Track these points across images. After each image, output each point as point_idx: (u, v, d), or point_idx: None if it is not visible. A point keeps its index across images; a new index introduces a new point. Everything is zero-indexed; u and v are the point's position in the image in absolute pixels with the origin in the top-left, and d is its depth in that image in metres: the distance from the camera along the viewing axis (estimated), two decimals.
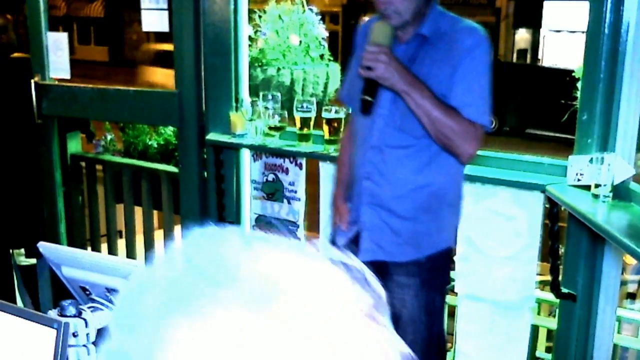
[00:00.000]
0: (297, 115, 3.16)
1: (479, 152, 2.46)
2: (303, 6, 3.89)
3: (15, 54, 4.03)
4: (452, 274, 2.75)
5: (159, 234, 4.02)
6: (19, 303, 3.82)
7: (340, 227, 2.54)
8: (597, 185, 2.38)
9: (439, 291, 2.50)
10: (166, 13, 3.48)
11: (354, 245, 2.45)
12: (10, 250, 4.00)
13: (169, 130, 4.18)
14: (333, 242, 2.59)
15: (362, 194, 2.40)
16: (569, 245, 2.63)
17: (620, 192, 2.38)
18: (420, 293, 2.41)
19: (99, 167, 4.18)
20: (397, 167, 2.31)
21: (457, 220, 2.52)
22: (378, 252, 2.41)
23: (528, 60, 17.79)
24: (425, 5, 2.24)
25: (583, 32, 2.55)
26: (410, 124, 2.24)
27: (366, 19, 2.46)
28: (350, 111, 2.67)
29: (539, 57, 17.49)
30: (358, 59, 2.33)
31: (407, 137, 2.28)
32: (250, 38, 3.55)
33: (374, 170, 2.35)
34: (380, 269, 2.41)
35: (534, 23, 17.53)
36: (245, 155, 3.44)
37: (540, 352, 3.28)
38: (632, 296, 3.99)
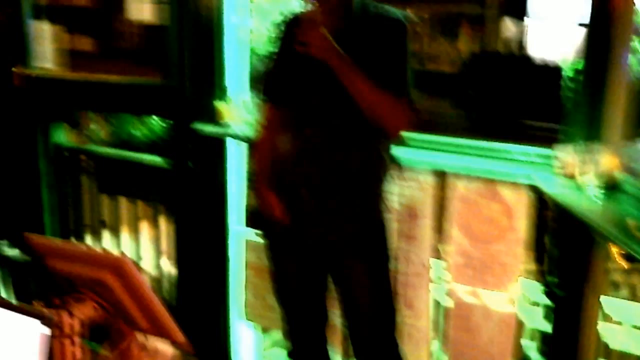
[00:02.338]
0: None
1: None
2: None
3: None
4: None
5: (143, 225, 4.00)
6: (3, 294, 3.80)
7: (275, 219, 2.56)
8: (582, 174, 2.38)
9: (384, 268, 2.59)
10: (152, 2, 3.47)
11: (293, 238, 2.55)
12: None
13: (155, 120, 4.15)
14: (271, 240, 2.67)
15: (299, 177, 2.46)
16: (555, 240, 2.64)
17: (607, 184, 2.39)
18: (368, 270, 2.53)
19: (83, 157, 4.15)
20: (333, 144, 2.40)
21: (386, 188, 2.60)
22: (321, 236, 2.50)
23: (515, 50, 17.74)
24: None
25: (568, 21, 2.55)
26: (343, 104, 2.32)
27: (289, 16, 2.56)
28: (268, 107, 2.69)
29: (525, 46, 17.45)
30: (285, 53, 2.49)
31: (341, 117, 2.37)
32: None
33: (309, 152, 2.42)
34: (327, 259, 2.57)
35: (519, 12, 17.48)
36: (231, 145, 3.42)
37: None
38: (616, 286, 4.01)
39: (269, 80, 2.63)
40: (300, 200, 2.47)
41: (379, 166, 2.53)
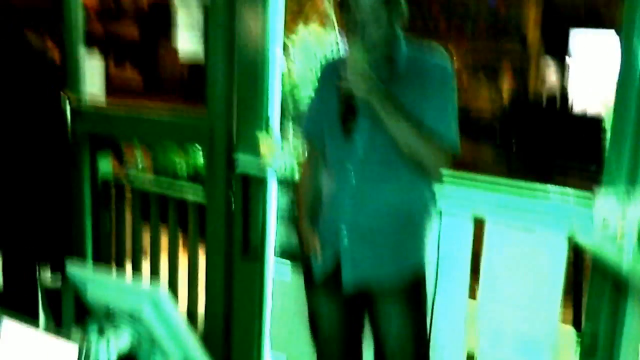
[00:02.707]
0: None
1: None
2: (335, 29, 3.91)
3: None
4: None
5: (183, 256, 4.05)
6: (42, 319, 3.85)
7: (316, 259, 2.58)
8: (621, 223, 2.35)
9: (423, 309, 2.60)
10: (200, 37, 3.55)
11: (332, 273, 2.53)
12: (37, 266, 4.05)
13: (197, 152, 4.22)
14: (309, 278, 2.65)
15: (340, 217, 2.46)
16: (591, 296, 2.59)
17: None
18: (407, 312, 2.52)
19: (126, 186, 4.23)
20: (376, 186, 2.40)
21: (428, 236, 2.60)
22: (359, 272, 2.48)
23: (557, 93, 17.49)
24: (391, 30, 2.35)
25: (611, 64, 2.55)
26: (386, 144, 2.33)
27: (330, 61, 2.63)
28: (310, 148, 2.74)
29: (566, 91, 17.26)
30: (324, 95, 2.53)
31: (384, 156, 2.37)
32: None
33: (352, 192, 2.41)
34: (365, 299, 2.54)
35: (561, 53, 17.29)
36: (273, 182, 3.45)
37: None
38: None
39: (310, 119, 2.67)
40: (340, 239, 2.48)
41: (420, 206, 2.52)
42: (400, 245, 2.49)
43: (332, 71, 2.48)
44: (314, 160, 2.66)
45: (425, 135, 2.29)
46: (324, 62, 2.62)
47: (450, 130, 2.36)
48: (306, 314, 2.76)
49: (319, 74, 2.62)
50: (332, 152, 2.52)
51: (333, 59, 2.59)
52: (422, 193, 2.49)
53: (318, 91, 2.62)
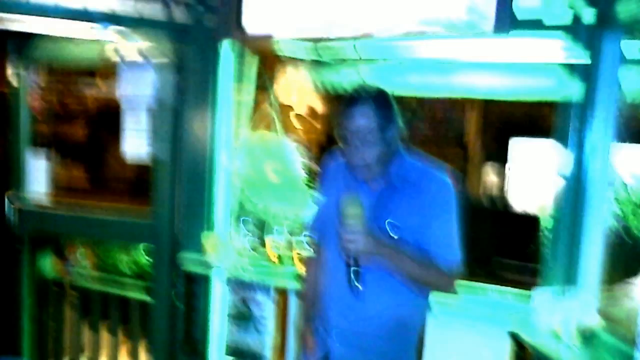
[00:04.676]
0: (269, 239, 3.22)
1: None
2: (280, 134, 4.02)
3: None
4: None
5: (122, 356, 3.94)
6: None
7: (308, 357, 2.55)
8: (561, 320, 2.42)
9: None
10: (146, 139, 3.59)
11: None
12: None
13: (142, 256, 4.20)
14: None
15: (333, 328, 2.43)
16: None
17: (585, 335, 2.41)
18: None
19: (66, 286, 4.14)
20: (370, 303, 2.34)
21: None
22: None
23: (496, 195, 18.10)
24: (391, 152, 2.34)
25: (547, 169, 2.66)
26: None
27: (332, 159, 2.56)
28: (314, 244, 2.71)
29: (505, 193, 17.86)
30: (326, 193, 2.50)
31: (379, 279, 2.32)
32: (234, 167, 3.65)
33: (345, 307, 2.38)
34: None
35: (501, 160, 18.01)
36: (217, 281, 3.45)
37: None
38: None
39: (314, 221, 2.65)
40: (331, 343, 2.45)
41: (415, 316, 2.48)
42: (392, 354, 2.42)
43: (335, 172, 2.49)
44: (317, 259, 2.61)
45: (431, 269, 2.28)
46: (326, 161, 2.60)
47: (453, 250, 2.33)
48: None
49: (322, 173, 2.60)
50: (330, 254, 2.49)
51: (335, 157, 2.54)
52: (418, 303, 2.46)
53: (321, 194, 2.59)
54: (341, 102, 2.30)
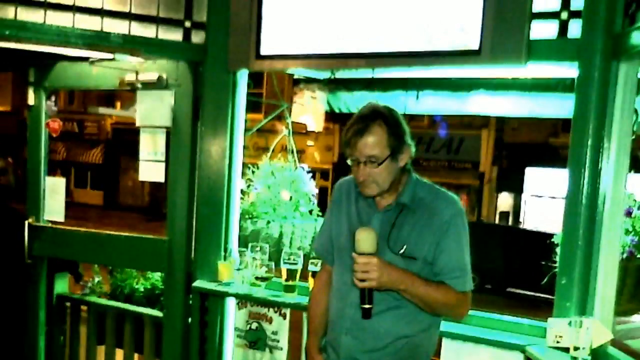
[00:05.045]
0: (284, 267, 3.24)
1: None
2: (295, 164, 4.06)
3: (15, 205, 4.15)
4: None
5: None
6: None
7: None
8: (575, 348, 2.41)
9: None
10: (162, 165, 3.62)
11: None
12: None
13: (157, 275, 4.22)
14: None
15: (341, 348, 2.41)
16: None
17: (598, 356, 2.41)
18: None
19: (83, 307, 4.18)
20: (378, 322, 2.33)
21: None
22: None
23: (510, 223, 18.15)
24: (401, 173, 2.35)
25: (563, 198, 2.67)
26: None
27: (346, 178, 2.55)
28: (321, 265, 2.72)
29: (521, 220, 17.88)
30: (334, 214, 2.49)
31: (389, 298, 2.31)
32: (242, 191, 3.68)
33: (353, 326, 2.36)
34: None
35: (516, 188, 18.08)
36: (231, 303, 3.47)
37: None
38: None
39: (321, 237, 2.63)
40: None
41: (425, 339, 2.43)
42: None
43: (345, 193, 2.49)
44: (326, 277, 2.60)
45: (444, 294, 2.27)
46: (340, 182, 2.58)
47: (466, 274, 2.32)
48: None
49: (332, 195, 2.59)
50: (338, 276, 2.48)
51: (344, 180, 2.54)
52: (430, 328, 2.43)
53: (331, 211, 2.57)
54: (349, 122, 2.31)
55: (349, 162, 2.32)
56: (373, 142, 2.24)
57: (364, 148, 2.25)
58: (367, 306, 2.22)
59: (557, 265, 2.71)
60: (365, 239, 2.21)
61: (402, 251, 2.29)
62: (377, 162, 2.25)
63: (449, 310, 2.38)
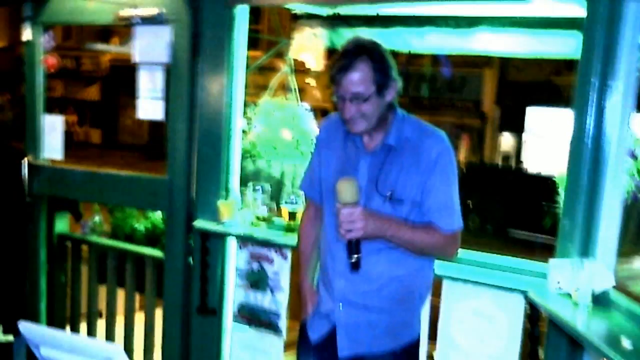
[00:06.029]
0: (285, 207, 3.22)
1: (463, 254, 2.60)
2: (297, 101, 4.01)
3: (14, 144, 4.11)
4: None
5: (139, 317, 3.98)
6: None
7: (313, 320, 2.55)
8: (577, 291, 2.40)
9: None
10: (162, 102, 3.58)
11: (328, 340, 2.47)
12: None
13: (157, 214, 4.21)
14: (305, 337, 2.60)
15: (335, 291, 2.42)
16: (549, 350, 2.63)
17: (600, 299, 2.41)
18: None
19: (84, 247, 4.18)
20: (372, 263, 2.33)
21: (423, 309, 2.58)
22: (355, 346, 2.43)
23: (512, 164, 18.19)
24: (388, 111, 2.31)
25: (564, 138, 2.63)
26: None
27: (331, 117, 2.53)
28: (307, 201, 2.72)
29: (522, 160, 17.91)
30: (322, 154, 2.48)
31: (379, 241, 2.31)
32: (242, 130, 3.64)
33: (346, 269, 2.33)
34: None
35: (519, 128, 18.02)
36: (232, 243, 3.47)
37: None
38: None
39: (307, 178, 2.64)
40: (336, 313, 2.42)
41: (420, 281, 2.45)
42: (398, 320, 2.43)
43: (333, 133, 2.46)
44: (312, 216, 2.61)
45: (432, 237, 2.29)
46: (326, 121, 2.56)
47: (454, 213, 2.32)
48: None
49: (318, 134, 2.58)
50: (328, 218, 2.44)
51: (328, 118, 2.53)
52: (422, 268, 2.44)
53: (317, 151, 2.55)
54: (334, 57, 2.26)
55: (334, 99, 2.27)
56: (358, 79, 2.20)
57: (348, 85, 2.20)
58: (355, 257, 2.22)
59: (558, 206, 2.69)
60: (347, 190, 2.19)
61: (389, 194, 2.27)
62: (362, 99, 2.21)
63: (438, 252, 2.40)
